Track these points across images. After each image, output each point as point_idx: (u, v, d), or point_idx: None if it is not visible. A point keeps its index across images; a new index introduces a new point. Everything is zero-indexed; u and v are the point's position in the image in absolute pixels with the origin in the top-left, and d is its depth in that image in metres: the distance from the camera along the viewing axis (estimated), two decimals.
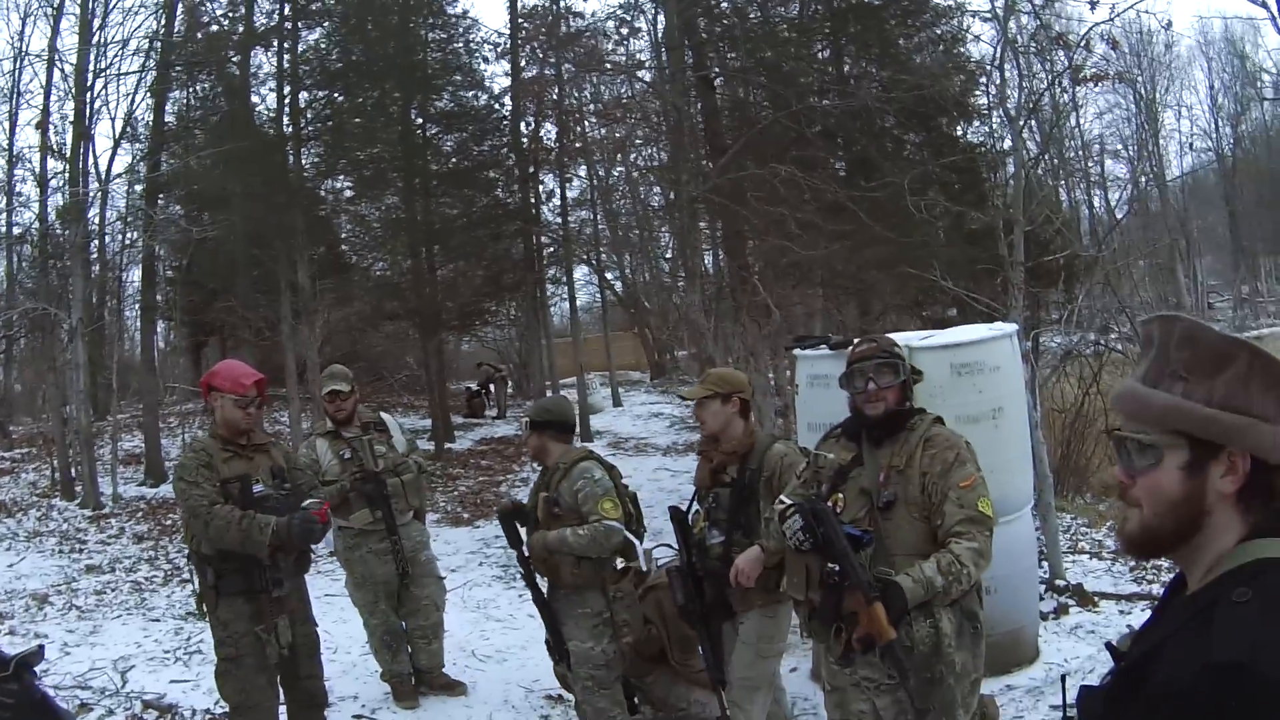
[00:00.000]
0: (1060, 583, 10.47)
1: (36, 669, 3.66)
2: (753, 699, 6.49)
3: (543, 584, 7.37)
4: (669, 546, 7.38)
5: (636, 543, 6.92)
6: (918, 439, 5.26)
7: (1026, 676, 8.34)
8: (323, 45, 23.52)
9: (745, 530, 6.25)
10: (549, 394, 24.53)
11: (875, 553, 5.08)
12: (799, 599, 5.34)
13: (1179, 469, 2.01)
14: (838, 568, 4.86)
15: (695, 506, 6.60)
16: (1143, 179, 40.57)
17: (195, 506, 6.40)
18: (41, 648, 3.78)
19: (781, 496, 5.55)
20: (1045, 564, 10.56)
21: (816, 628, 5.23)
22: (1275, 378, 1.99)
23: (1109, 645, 2.23)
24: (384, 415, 9.37)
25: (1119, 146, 46.12)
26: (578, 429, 11.45)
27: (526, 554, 7.24)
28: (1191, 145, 49.95)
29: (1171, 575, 2.27)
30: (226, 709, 7.01)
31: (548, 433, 7.27)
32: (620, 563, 7.13)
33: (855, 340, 6.30)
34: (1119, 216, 31.97)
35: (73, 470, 19.23)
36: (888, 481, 5.22)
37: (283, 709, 6.99)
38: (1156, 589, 9.94)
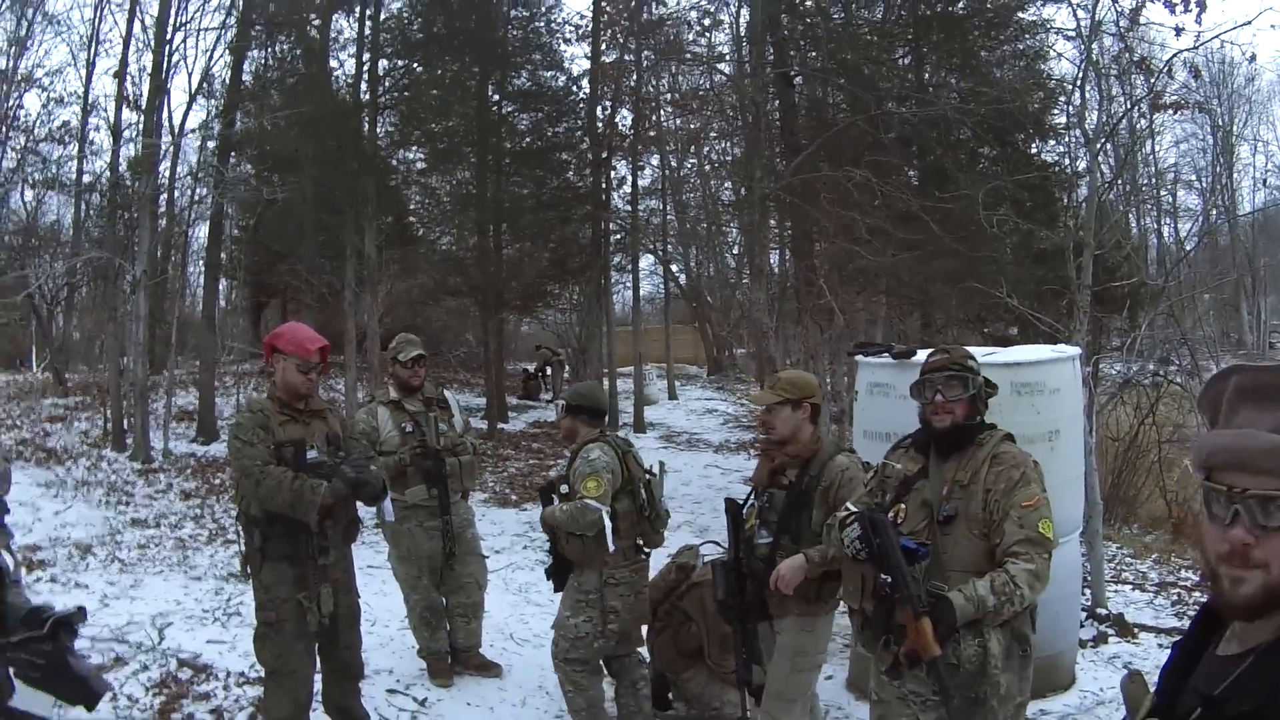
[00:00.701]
0: (1102, 611, 10.41)
1: (77, 628, 3.66)
2: (788, 711, 6.45)
3: None
4: (716, 544, 7.39)
5: (608, 527, 6.98)
6: (985, 455, 5.20)
7: (1061, 703, 8.31)
8: (404, 14, 23.58)
9: (793, 536, 6.16)
10: (603, 381, 24.63)
11: (931, 567, 5.04)
12: (853, 607, 5.34)
13: None
14: (890, 579, 4.85)
15: (751, 502, 6.54)
16: (1214, 212, 40.23)
17: (248, 466, 6.40)
18: (83, 609, 3.75)
19: (848, 504, 5.53)
20: (1088, 591, 10.50)
21: (868, 638, 5.19)
22: None
23: (1202, 694, 2.06)
24: (446, 392, 9.36)
25: (1192, 177, 45.87)
26: (609, 416, 11.54)
27: None
28: (1265, 181, 49.56)
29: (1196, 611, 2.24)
30: (261, 673, 7.02)
31: (581, 416, 7.51)
32: (612, 545, 7.14)
33: (926, 350, 6.28)
34: (1188, 248, 31.59)
35: (125, 422, 19.34)
36: (950, 496, 5.16)
37: (317, 677, 7.00)
38: None
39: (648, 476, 7.50)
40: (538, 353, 33.34)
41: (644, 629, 8.00)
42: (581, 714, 7.53)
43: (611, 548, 7.14)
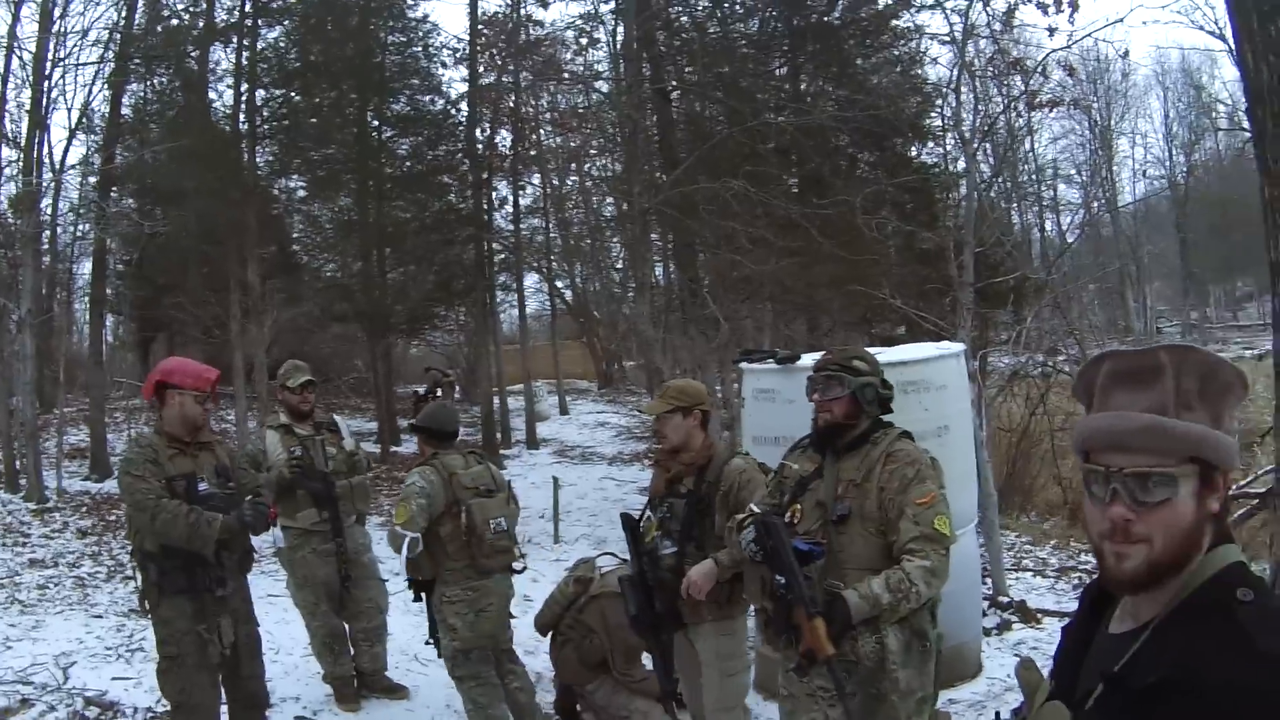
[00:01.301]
0: (1003, 599, 10.54)
1: None
2: (733, 717, 6.52)
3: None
4: (613, 555, 7.43)
5: (403, 552, 7.09)
6: (880, 453, 5.22)
7: (969, 691, 8.45)
8: (282, 44, 23.48)
9: (698, 543, 6.19)
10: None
11: (827, 566, 5.07)
12: (757, 607, 5.36)
13: (1191, 496, 2.04)
14: (784, 580, 4.88)
15: (648, 515, 6.55)
16: (1095, 204, 40.86)
17: (142, 500, 6.31)
18: None
19: (751, 504, 5.56)
20: (989, 580, 10.63)
21: (771, 636, 5.25)
22: (1241, 400, 2.09)
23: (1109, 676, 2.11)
24: (335, 417, 9.33)
25: (1072, 171, 46.52)
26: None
27: None
28: (1145, 173, 50.43)
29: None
30: (168, 707, 6.94)
31: (423, 436, 7.85)
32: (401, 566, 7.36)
33: (811, 355, 6.34)
34: (1070, 240, 32.05)
35: (17, 463, 19.06)
36: (844, 495, 5.18)
37: (224, 709, 6.92)
38: None
39: (474, 500, 7.39)
40: (427, 375, 33.03)
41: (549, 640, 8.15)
42: None
43: (399, 569, 7.41)
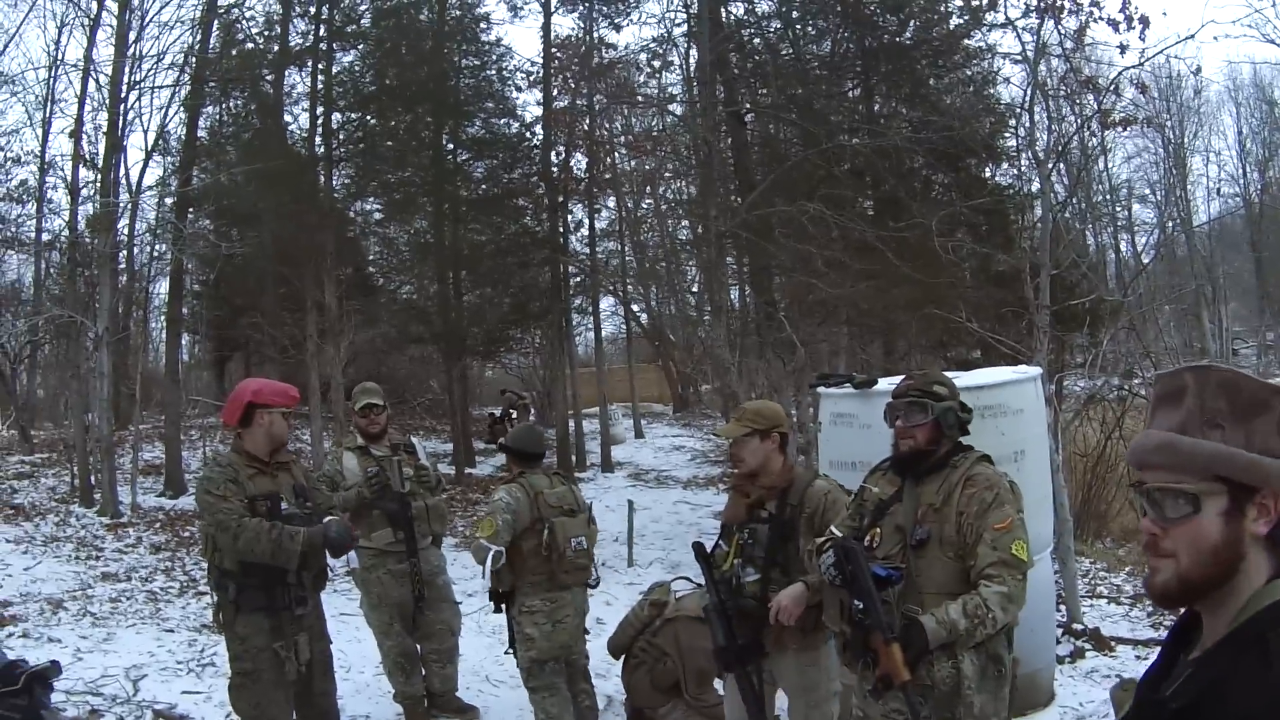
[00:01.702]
0: (1077, 626, 10.46)
1: (52, 682, 3.67)
2: None
3: None
4: (688, 579, 7.46)
5: (486, 565, 7.31)
6: (959, 477, 5.20)
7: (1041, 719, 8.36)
8: (357, 68, 23.71)
9: (783, 568, 6.10)
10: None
11: (905, 590, 5.06)
12: (835, 630, 5.37)
13: (1218, 515, 2.06)
14: (861, 605, 4.89)
15: (719, 543, 6.52)
16: (1169, 224, 40.46)
17: (224, 520, 6.37)
18: (56, 663, 3.76)
19: (831, 527, 5.57)
20: (1063, 607, 10.54)
21: (849, 659, 5.24)
22: None
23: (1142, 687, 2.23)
24: (413, 439, 9.40)
25: (1146, 191, 46.00)
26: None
27: None
28: (1219, 191, 49.71)
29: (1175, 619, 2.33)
30: None
31: (512, 456, 8.05)
32: (486, 579, 7.64)
33: (887, 379, 6.33)
34: (1145, 261, 31.80)
35: (92, 478, 19.27)
36: (923, 519, 5.17)
37: None
38: None
39: (558, 519, 7.61)
40: (503, 397, 33.31)
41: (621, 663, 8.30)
42: None
43: (486, 581, 7.57)
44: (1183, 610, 2.28)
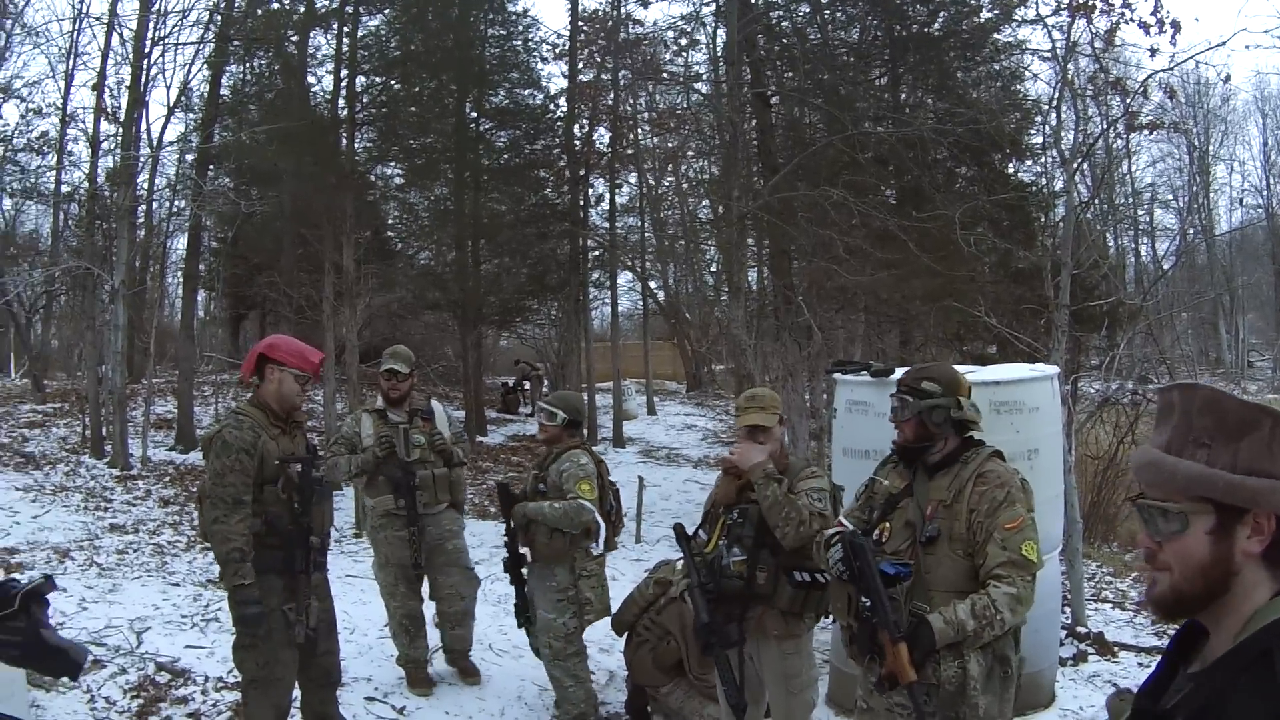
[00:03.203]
0: (1081, 629, 10.43)
1: (47, 598, 3.60)
2: None
3: None
4: None
5: (602, 526, 7.55)
6: (970, 473, 5.14)
7: None
8: (382, 32, 23.62)
9: (772, 549, 6.07)
10: (583, 397, 24.67)
11: (914, 587, 5.02)
12: (842, 623, 5.32)
13: (1206, 533, 2.07)
14: (869, 602, 4.84)
15: (699, 531, 6.49)
16: (1191, 231, 40.39)
17: (217, 498, 6.34)
18: (50, 578, 3.69)
19: (841, 518, 5.53)
20: (1068, 609, 10.50)
21: (855, 652, 5.18)
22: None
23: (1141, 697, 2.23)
24: (434, 403, 9.37)
25: (1169, 197, 45.96)
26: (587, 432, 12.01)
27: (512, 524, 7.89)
28: (1242, 201, 49.66)
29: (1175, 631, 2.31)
30: (239, 679, 6.95)
31: (568, 424, 7.99)
32: (594, 548, 7.80)
33: (904, 369, 6.27)
34: (1165, 267, 31.71)
35: (103, 429, 19.35)
36: (933, 515, 5.12)
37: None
38: None
39: (616, 486, 8.01)
40: (516, 367, 33.44)
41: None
42: (580, 704, 7.91)
43: (599, 549, 7.67)
44: (1182, 621, 2.27)
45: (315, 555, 6.61)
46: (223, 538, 6.29)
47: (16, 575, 11.27)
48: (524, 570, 8.12)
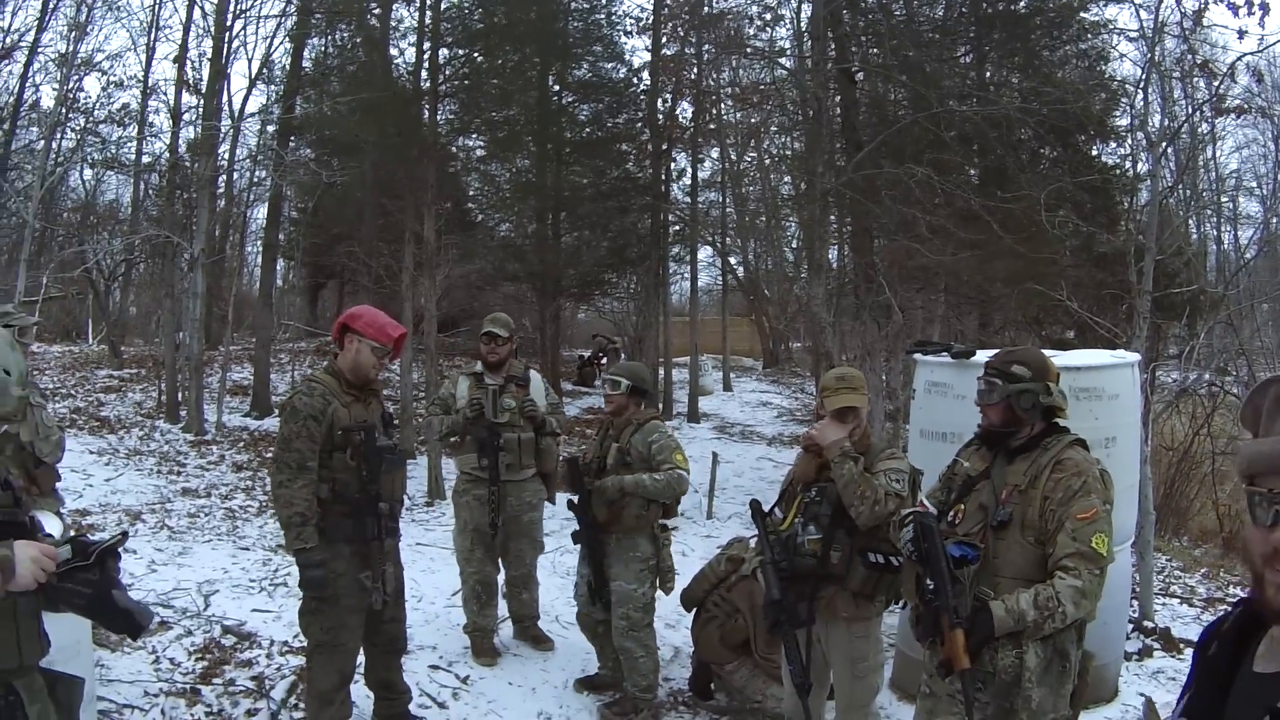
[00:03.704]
0: (1148, 624, 10.36)
1: (120, 552, 3.67)
2: (864, 717, 6.50)
3: None
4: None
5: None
6: (1049, 460, 5.10)
7: (1103, 715, 8.25)
8: (465, 4, 23.62)
9: (848, 529, 6.08)
10: (657, 371, 24.72)
11: (981, 571, 5.00)
12: (911, 604, 5.32)
13: None
14: (933, 585, 4.84)
15: (775, 508, 6.50)
16: (1275, 220, 39.79)
17: (282, 463, 6.50)
18: (125, 533, 3.77)
19: (922, 498, 5.52)
20: (1135, 603, 10.41)
21: (920, 634, 5.15)
22: None
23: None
24: (533, 373, 9.48)
25: (1254, 184, 45.26)
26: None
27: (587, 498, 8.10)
28: None
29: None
30: (305, 644, 7.03)
31: (639, 394, 8.18)
32: (667, 522, 8.08)
33: (985, 351, 6.25)
34: (1248, 256, 31.24)
35: (179, 395, 19.60)
36: (1007, 500, 5.09)
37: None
38: None
39: None
40: (594, 340, 33.53)
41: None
42: (650, 675, 8.02)
43: (673, 521, 7.97)
44: (1230, 625, 2.23)
45: (386, 522, 6.67)
46: (286, 501, 6.42)
47: (92, 535, 11.51)
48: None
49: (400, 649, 7.36)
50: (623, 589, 7.95)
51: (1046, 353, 5.90)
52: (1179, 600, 12.05)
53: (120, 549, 3.67)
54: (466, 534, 8.99)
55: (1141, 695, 8.56)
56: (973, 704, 4.73)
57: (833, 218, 20.46)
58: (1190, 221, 32.34)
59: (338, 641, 6.71)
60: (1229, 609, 2.31)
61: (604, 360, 31.47)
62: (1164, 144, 13.23)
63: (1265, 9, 12.84)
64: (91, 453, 16.18)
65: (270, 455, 14.79)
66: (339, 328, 6.88)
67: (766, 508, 6.51)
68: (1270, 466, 2.03)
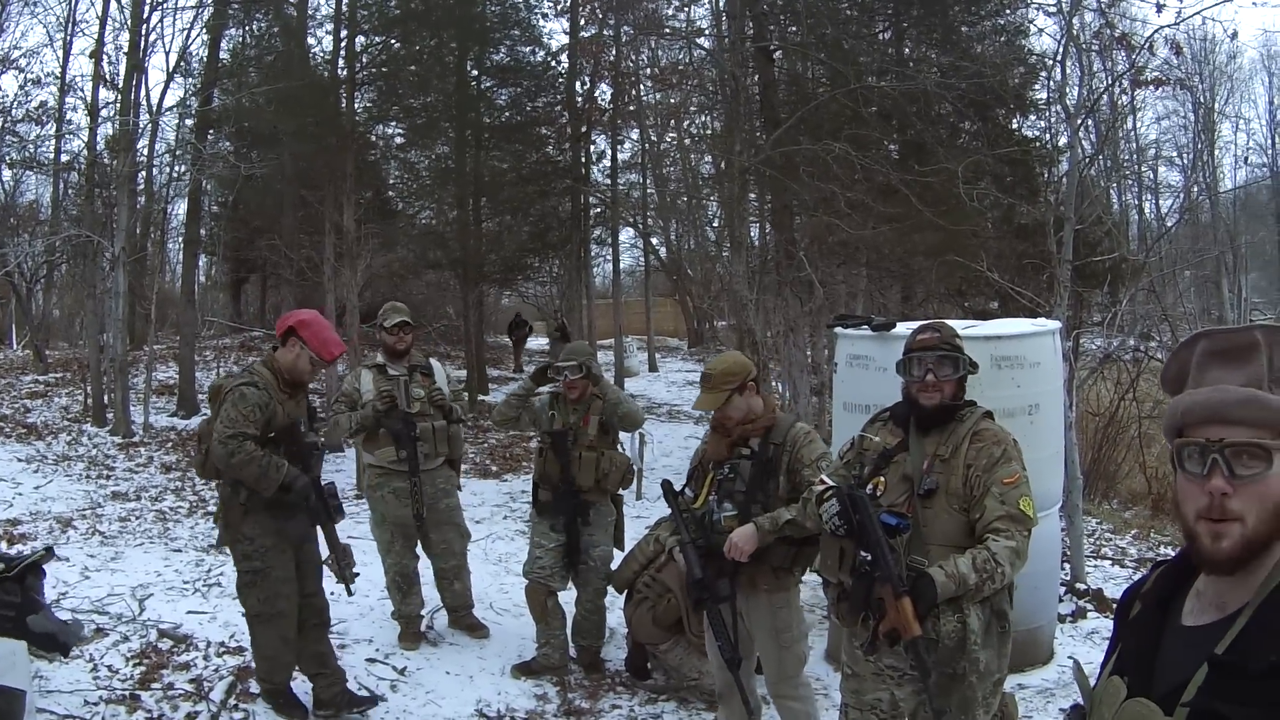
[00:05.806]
0: (1081, 586, 10.43)
1: (44, 569, 3.60)
2: (797, 687, 6.48)
3: None
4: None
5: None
6: (966, 431, 5.12)
7: (1040, 677, 8.32)
8: None
9: (764, 505, 6.07)
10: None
11: (911, 541, 4.97)
12: (830, 580, 5.28)
13: None
14: (870, 556, 4.80)
15: (685, 488, 6.51)
16: (1195, 189, 40.21)
17: (230, 440, 6.47)
18: (50, 549, 3.72)
19: (823, 476, 5.48)
20: (1067, 566, 10.50)
21: (844, 610, 5.11)
22: None
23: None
24: (434, 361, 9.42)
25: (1174, 154, 45.70)
26: None
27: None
28: (1247, 159, 49.42)
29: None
30: (241, 644, 7.02)
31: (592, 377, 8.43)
32: None
33: (905, 323, 6.22)
34: (1168, 224, 31.56)
35: (105, 397, 19.41)
36: (930, 469, 5.08)
37: None
38: None
39: None
40: (553, 322, 33.80)
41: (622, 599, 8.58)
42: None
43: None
44: (1151, 585, 2.28)
45: (333, 501, 6.93)
46: (246, 460, 6.49)
47: (20, 547, 11.42)
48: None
49: (325, 620, 7.40)
50: (605, 551, 8.44)
51: (963, 323, 5.90)
52: (1110, 562, 12.12)
53: (44, 564, 3.61)
54: (385, 526, 8.97)
55: (1071, 658, 8.61)
56: (928, 670, 4.70)
57: (753, 195, 20.52)
58: (1111, 191, 32.65)
59: (275, 610, 6.86)
60: (1147, 572, 2.32)
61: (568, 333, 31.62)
62: (1082, 116, 13.30)
63: None
64: (19, 460, 16.01)
65: (197, 429, 14.75)
66: (286, 328, 6.92)
67: (678, 487, 6.50)
68: (1205, 415, 2.08)
